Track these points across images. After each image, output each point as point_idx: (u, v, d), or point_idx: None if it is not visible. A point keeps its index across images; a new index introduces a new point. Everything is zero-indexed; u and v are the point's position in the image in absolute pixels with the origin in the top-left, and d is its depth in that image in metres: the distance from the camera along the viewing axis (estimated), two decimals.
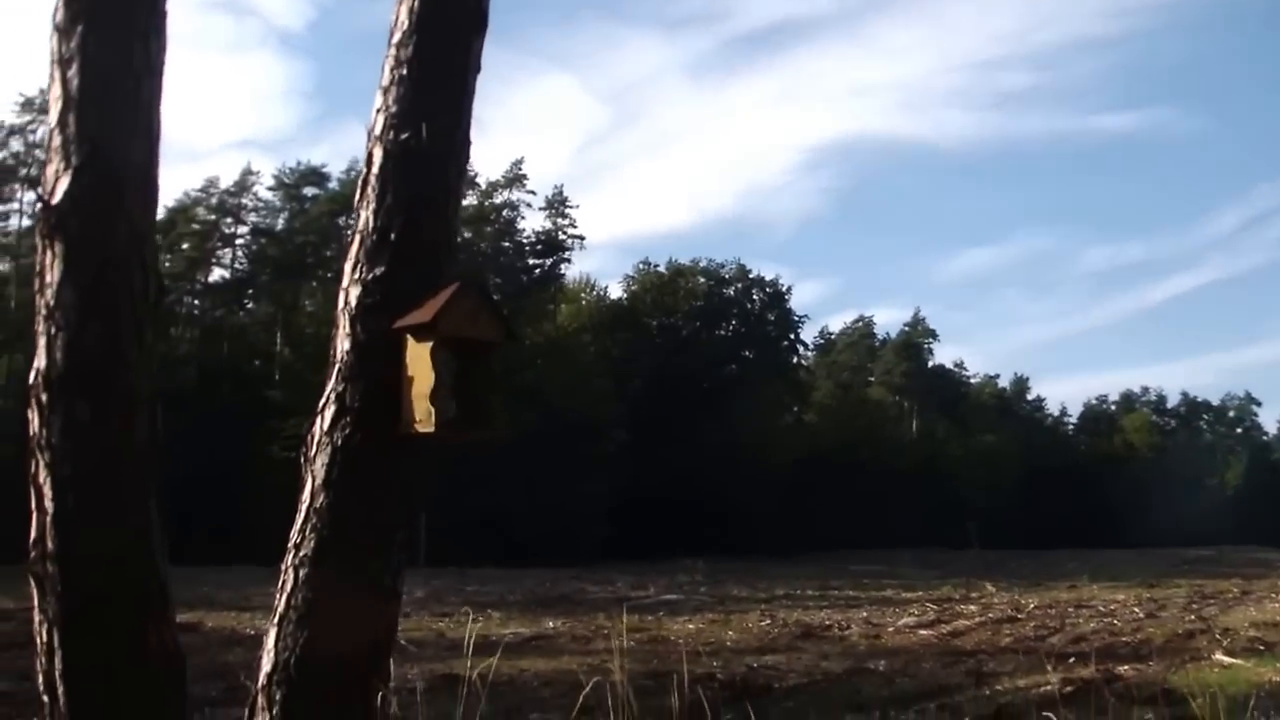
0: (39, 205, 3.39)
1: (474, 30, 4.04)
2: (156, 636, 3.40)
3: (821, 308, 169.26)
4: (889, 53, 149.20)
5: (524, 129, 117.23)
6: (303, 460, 3.78)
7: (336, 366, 3.80)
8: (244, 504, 53.98)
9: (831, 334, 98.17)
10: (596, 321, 74.17)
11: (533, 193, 72.39)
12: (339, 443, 3.70)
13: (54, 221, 3.33)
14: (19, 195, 62.46)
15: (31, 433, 3.33)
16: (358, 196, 3.96)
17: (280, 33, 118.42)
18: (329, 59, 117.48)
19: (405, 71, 3.87)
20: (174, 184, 65.12)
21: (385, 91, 3.89)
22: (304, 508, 3.74)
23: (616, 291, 79.86)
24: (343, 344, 3.81)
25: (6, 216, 63.39)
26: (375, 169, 3.85)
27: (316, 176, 70.12)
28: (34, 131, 60.85)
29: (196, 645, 15.76)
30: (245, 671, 13.19)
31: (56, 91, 3.39)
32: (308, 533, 3.70)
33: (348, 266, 3.87)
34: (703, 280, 77.80)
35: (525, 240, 75.19)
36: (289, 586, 3.72)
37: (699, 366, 68.72)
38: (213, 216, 68.04)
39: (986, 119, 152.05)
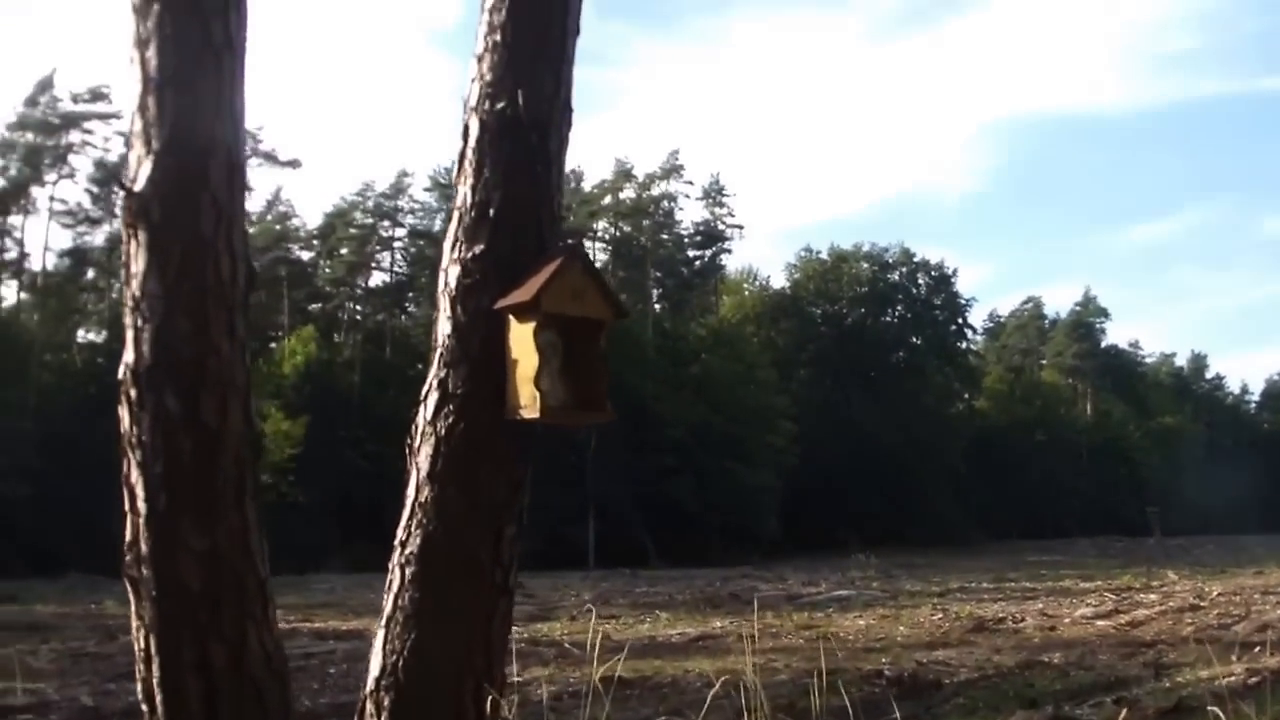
0: (122, 194, 3.33)
1: None
2: (257, 639, 3.28)
3: (989, 290, 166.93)
4: (1052, 24, 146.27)
5: (682, 117, 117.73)
6: (408, 453, 3.65)
7: (438, 351, 3.67)
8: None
9: (1000, 316, 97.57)
10: (760, 312, 73.91)
11: (690, 183, 72.45)
12: (442, 432, 3.56)
13: (136, 209, 3.23)
14: None
15: (122, 430, 3.24)
16: (455, 172, 3.80)
17: (430, 32, 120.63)
18: None
19: (498, 37, 3.71)
20: (334, 188, 66.48)
21: (479, 60, 3.74)
22: (409, 502, 3.62)
23: (779, 280, 79.85)
24: (443, 327, 3.67)
25: None
26: (472, 142, 3.69)
27: None
28: None
29: (362, 652, 15.90)
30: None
31: (136, 74, 3.29)
32: (413, 529, 3.57)
33: (446, 246, 3.73)
34: (866, 266, 77.10)
35: (684, 232, 75.22)
36: (395, 586, 3.60)
37: (865, 354, 68.04)
38: (370, 220, 69.32)
39: (1152, 86, 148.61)
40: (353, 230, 69.61)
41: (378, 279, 71.41)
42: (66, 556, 37.15)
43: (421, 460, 3.58)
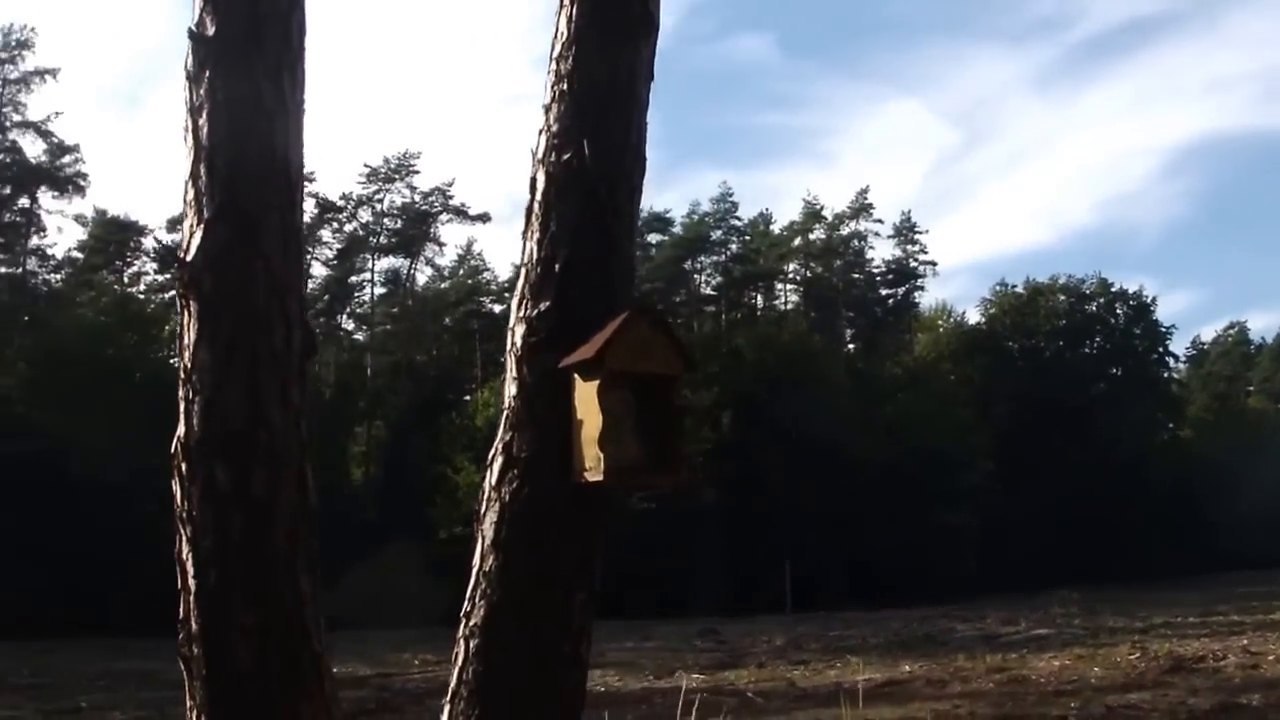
0: (176, 265, 3.26)
1: (641, 35, 3.70)
2: (310, 716, 3.15)
3: (1192, 317, 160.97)
4: (1246, 43, 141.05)
5: (870, 157, 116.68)
6: (474, 520, 3.53)
7: (504, 414, 3.55)
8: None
9: (1204, 343, 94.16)
10: (955, 349, 72.58)
11: (880, 221, 71.70)
12: (506, 498, 3.42)
13: (188, 280, 3.15)
14: (370, 265, 66.20)
15: (175, 506, 3.15)
16: (524, 227, 3.65)
17: None
18: (671, 103, 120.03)
19: (565, 86, 3.58)
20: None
21: (547, 110, 3.61)
22: (474, 572, 3.49)
23: (974, 316, 78.32)
24: (509, 389, 3.56)
25: (361, 287, 67.36)
26: (538, 195, 3.57)
27: (659, 223, 71.19)
28: (380, 201, 64.39)
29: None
30: None
31: (189, 143, 3.23)
32: (477, 600, 3.43)
33: (514, 304, 3.60)
34: (1063, 298, 75.07)
35: (876, 270, 74.43)
36: (460, 660, 3.46)
37: (1064, 388, 66.15)
38: None
39: None
40: None
41: None
42: None
43: (486, 528, 3.44)
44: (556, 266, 3.47)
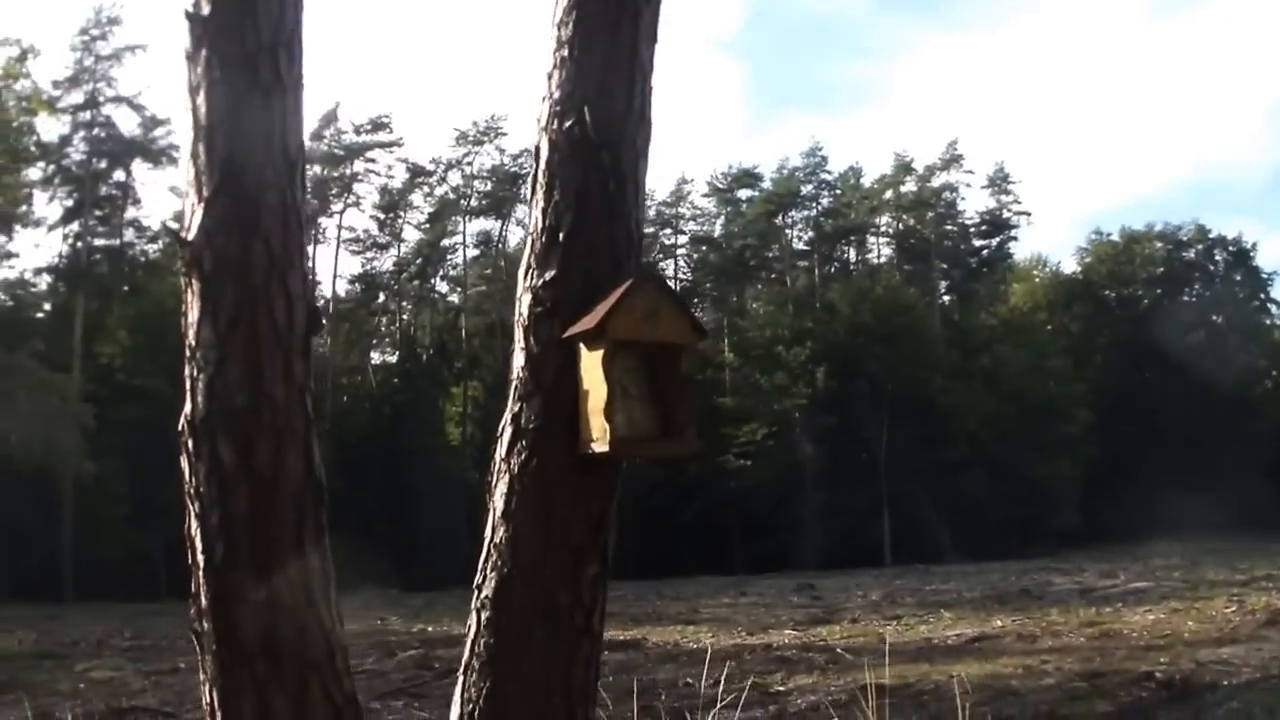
0: (178, 244, 3.27)
1: None
2: (321, 691, 3.15)
3: None
4: None
5: (961, 106, 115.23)
6: (485, 492, 3.47)
7: (513, 384, 3.48)
8: (699, 513, 55.29)
9: None
10: (1051, 299, 71.65)
11: (970, 172, 70.83)
12: (515, 469, 3.37)
13: (189, 258, 3.14)
14: (462, 227, 66.68)
15: (184, 483, 3.14)
16: (529, 195, 3.60)
17: (716, 38, 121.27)
18: (764, 58, 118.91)
19: (566, 52, 3.49)
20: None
21: (549, 77, 3.53)
22: (485, 544, 3.44)
23: (1070, 266, 77.29)
24: (517, 359, 3.48)
25: (454, 249, 67.86)
26: (542, 163, 3.49)
27: (749, 178, 71.01)
28: (470, 164, 64.75)
29: (635, 663, 16.13)
30: (670, 690, 13.03)
31: (189, 122, 3.21)
32: (488, 571, 3.39)
33: (520, 273, 3.53)
34: (1159, 245, 73.94)
35: (969, 222, 73.59)
36: (472, 632, 3.42)
37: (1163, 337, 65.13)
38: (652, 229, 70.12)
39: None
40: None
41: None
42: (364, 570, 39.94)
43: (496, 499, 3.40)
44: (560, 235, 3.40)
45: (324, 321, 3.32)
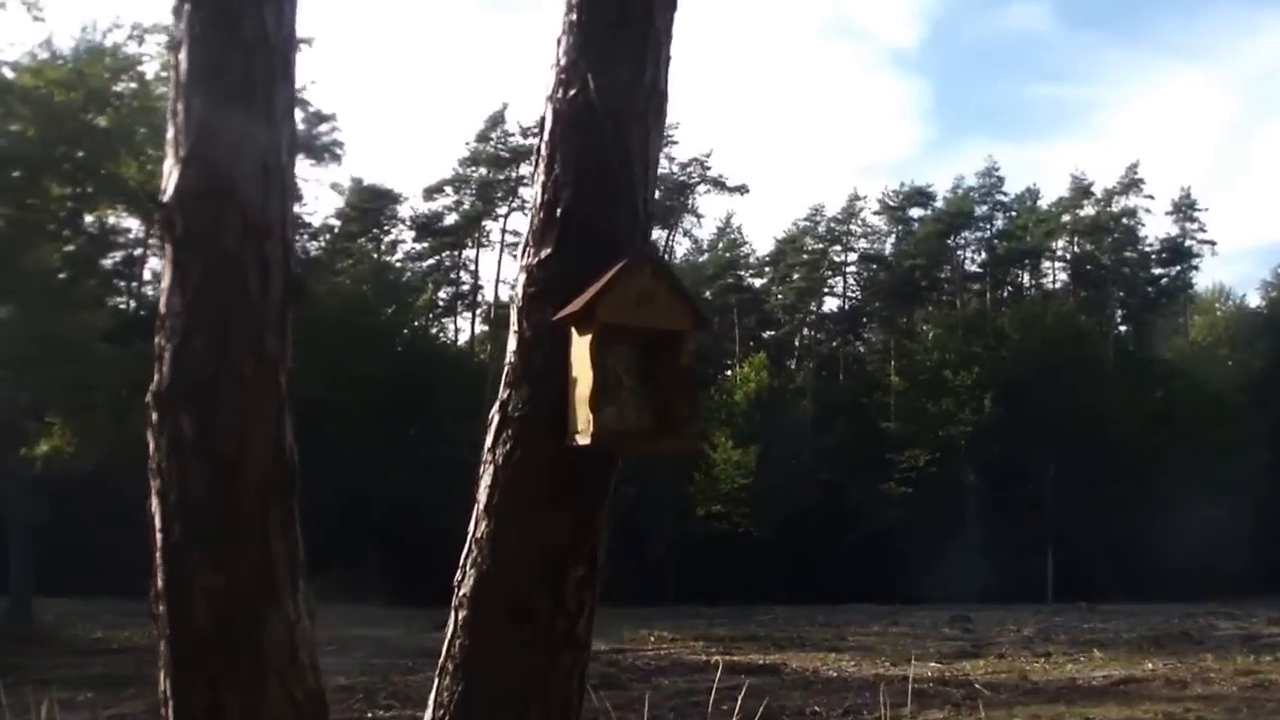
0: (156, 206, 3.12)
1: None
2: (280, 688, 2.96)
3: None
4: None
5: (1146, 132, 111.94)
6: (473, 483, 3.27)
7: (505, 370, 3.28)
8: (855, 541, 54.35)
9: None
10: (1233, 333, 69.13)
11: (1151, 197, 68.68)
12: (500, 460, 3.16)
13: (163, 222, 2.98)
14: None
15: (148, 458, 2.96)
16: (532, 169, 3.39)
17: (894, 53, 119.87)
18: (944, 76, 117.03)
19: (574, 16, 3.29)
20: (785, 214, 67.44)
21: (558, 43, 3.33)
22: (468, 538, 3.24)
23: (1255, 300, 75.00)
24: (510, 342, 3.28)
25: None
26: (545, 135, 3.30)
27: (922, 197, 69.86)
28: None
29: (768, 688, 15.66)
30: (796, 718, 12.61)
31: (171, 80, 3.08)
32: (468, 568, 3.19)
33: (520, 252, 3.35)
34: None
35: (1149, 249, 71.32)
36: (449, 632, 3.21)
37: None
38: (821, 245, 69.54)
39: None
40: (804, 255, 69.91)
41: (830, 305, 71.72)
42: None
43: (480, 491, 3.20)
44: (558, 211, 3.20)
45: (304, 291, 3.18)
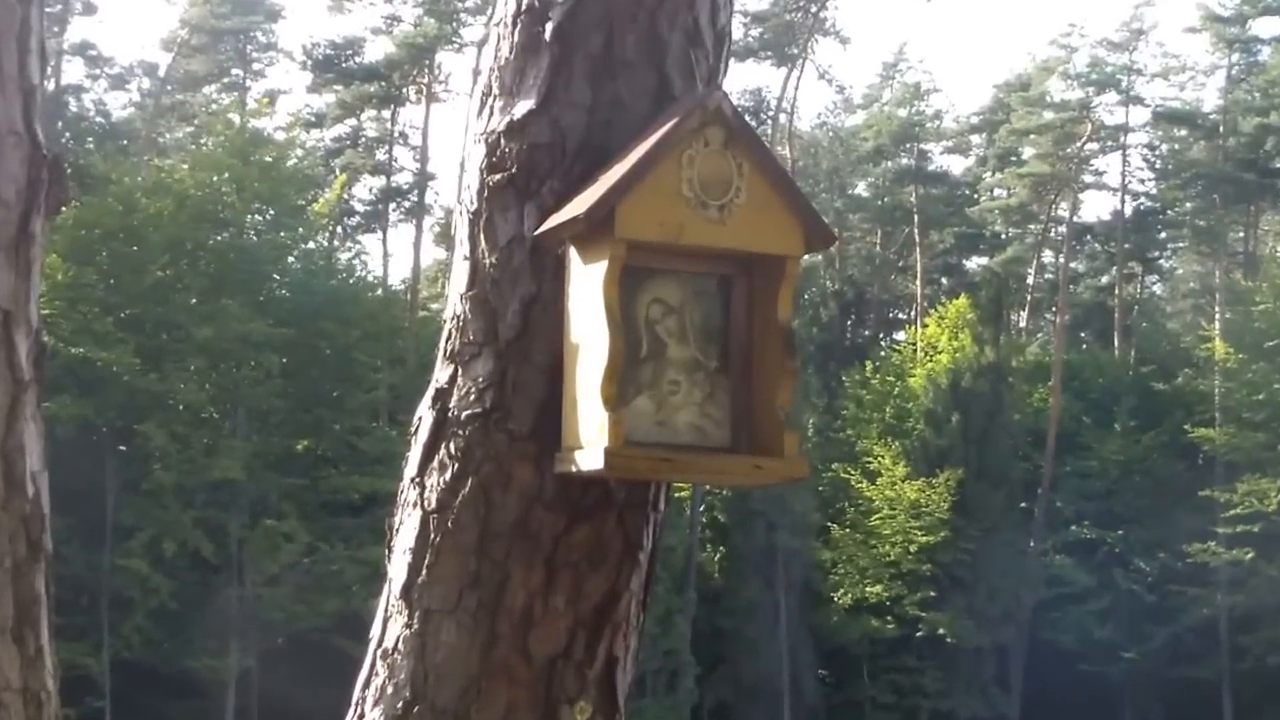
0: None
1: None
2: None
3: None
4: None
5: None
6: (386, 544, 2.94)
7: (444, 330, 2.85)
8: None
9: None
10: None
11: None
12: (431, 499, 2.71)
13: None
14: None
15: None
16: None
17: None
18: None
19: None
20: None
21: None
22: (370, 650, 2.88)
23: None
24: (455, 274, 2.80)
25: None
26: None
27: None
28: None
29: None
30: None
31: None
32: (367, 708, 2.82)
33: (477, 106, 2.88)
34: None
35: None
36: None
37: None
38: (1079, 93, 59.73)
39: None
40: (1044, 114, 57.95)
41: (1093, 207, 67.68)
42: None
43: (394, 560, 2.77)
44: (547, 26, 2.69)
45: (66, 191, 2.95)
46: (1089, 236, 59.66)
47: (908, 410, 51.92)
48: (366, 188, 62.10)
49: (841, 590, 47.77)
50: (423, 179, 60.21)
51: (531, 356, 2.79)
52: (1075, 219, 60.30)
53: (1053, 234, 58.95)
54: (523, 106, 2.82)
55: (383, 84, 58.80)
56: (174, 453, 42.05)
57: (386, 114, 60.07)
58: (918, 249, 60.95)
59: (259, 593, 42.31)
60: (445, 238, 52.26)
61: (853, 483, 47.44)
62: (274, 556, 42.69)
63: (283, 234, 50.25)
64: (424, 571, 2.81)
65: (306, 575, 42.68)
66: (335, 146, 60.54)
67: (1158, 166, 63.99)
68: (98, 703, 38.34)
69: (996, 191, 59.61)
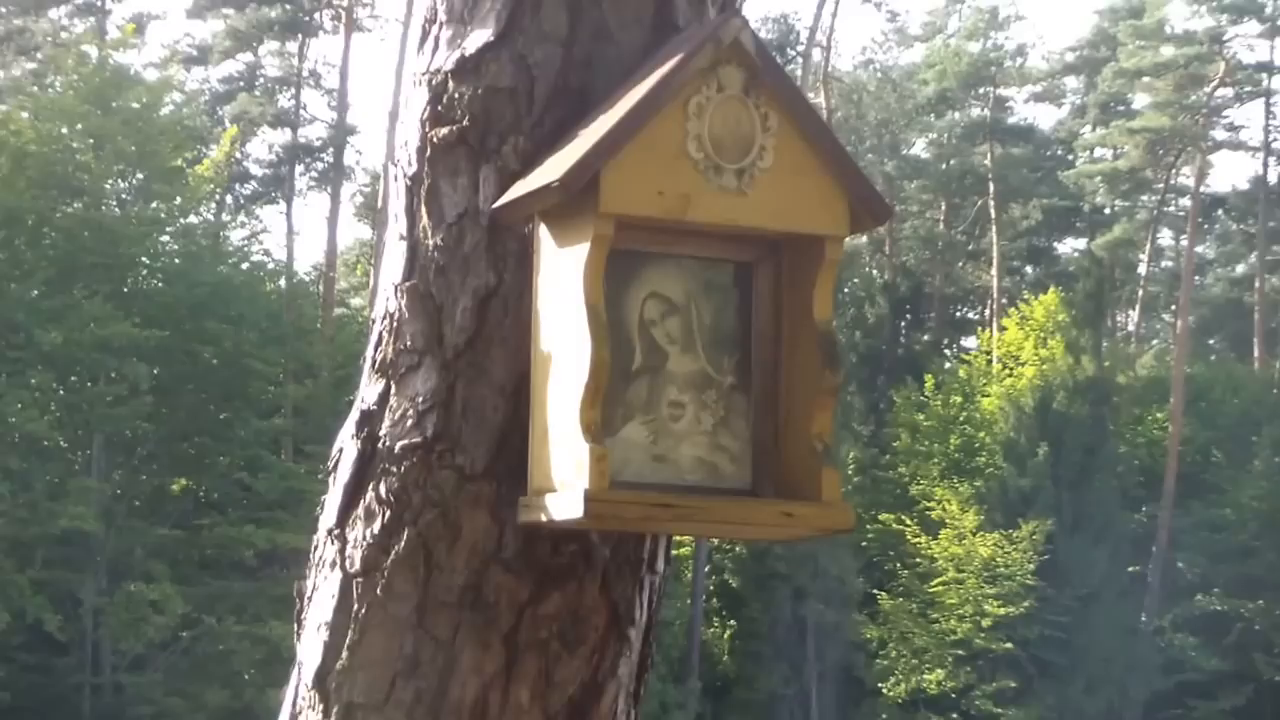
0: None
1: None
2: None
3: None
4: None
5: None
6: (296, 619, 2.95)
7: (372, 333, 2.86)
8: None
9: None
10: None
11: None
12: (354, 558, 2.75)
13: None
14: None
15: None
16: None
17: None
18: None
19: None
20: None
21: None
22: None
23: None
24: (388, 263, 2.86)
25: None
26: None
27: None
28: None
29: None
30: None
31: None
32: None
33: (418, 39, 2.97)
34: None
35: None
36: None
37: None
38: (1210, 22, 66.23)
39: None
40: (1162, 49, 64.72)
41: (1227, 173, 70.63)
42: None
43: (306, 637, 2.79)
44: None
45: None
46: (1220, 212, 57.48)
47: (979, 441, 50.42)
48: (266, 144, 59.12)
49: (892, 679, 46.18)
50: (341, 134, 57.43)
51: (487, 369, 2.75)
52: (1203, 189, 54.31)
53: (1173, 208, 56.05)
54: (477, 38, 2.79)
55: (288, 7, 56.54)
56: (6, 495, 39.91)
57: (293, 47, 55.75)
58: (993, 228, 60.24)
59: (119, 680, 40.52)
60: (372, 211, 49.97)
61: (907, 536, 46.35)
62: (139, 632, 40.30)
63: (154, 205, 47.71)
64: (345, 653, 2.78)
65: (183, 657, 41.05)
66: (224, 90, 55.14)
67: None
68: None
69: (1098, 152, 57.29)
